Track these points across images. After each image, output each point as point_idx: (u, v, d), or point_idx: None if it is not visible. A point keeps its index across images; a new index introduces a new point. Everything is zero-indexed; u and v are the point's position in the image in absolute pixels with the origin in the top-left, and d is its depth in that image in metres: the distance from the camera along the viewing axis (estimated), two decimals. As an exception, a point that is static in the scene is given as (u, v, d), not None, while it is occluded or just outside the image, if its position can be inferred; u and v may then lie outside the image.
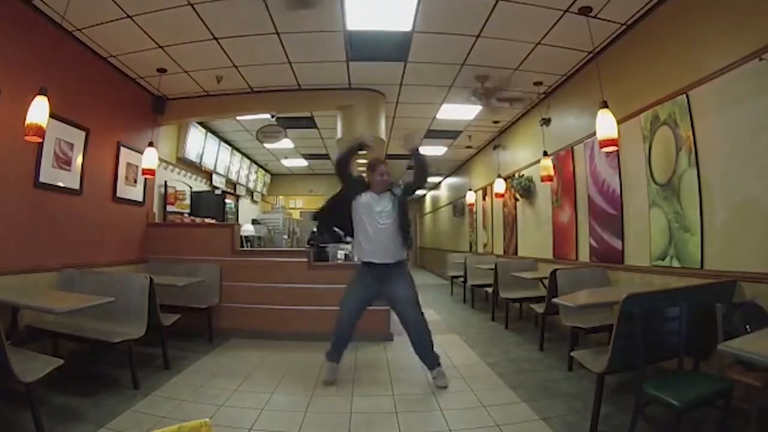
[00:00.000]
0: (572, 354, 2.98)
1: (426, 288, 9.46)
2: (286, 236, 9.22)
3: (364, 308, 3.41)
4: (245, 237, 7.19)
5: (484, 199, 8.43)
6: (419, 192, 15.43)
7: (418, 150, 3.37)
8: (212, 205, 7.19)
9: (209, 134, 7.43)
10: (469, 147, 8.47)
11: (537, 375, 3.49)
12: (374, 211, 3.26)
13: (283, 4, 3.51)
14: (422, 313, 3.33)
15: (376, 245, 3.25)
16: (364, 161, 7.79)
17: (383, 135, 6.04)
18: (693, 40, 3.13)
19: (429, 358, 3.31)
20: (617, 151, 3.77)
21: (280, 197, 12.49)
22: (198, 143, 7.06)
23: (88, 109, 4.19)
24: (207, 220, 6.23)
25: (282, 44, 4.27)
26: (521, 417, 2.68)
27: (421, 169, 3.36)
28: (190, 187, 6.95)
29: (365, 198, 3.30)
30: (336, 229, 3.57)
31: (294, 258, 4.88)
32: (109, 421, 2.53)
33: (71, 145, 3.96)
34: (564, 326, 3.78)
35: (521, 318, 5.75)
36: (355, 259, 3.46)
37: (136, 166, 4.95)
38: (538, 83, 5.15)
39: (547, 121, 5.47)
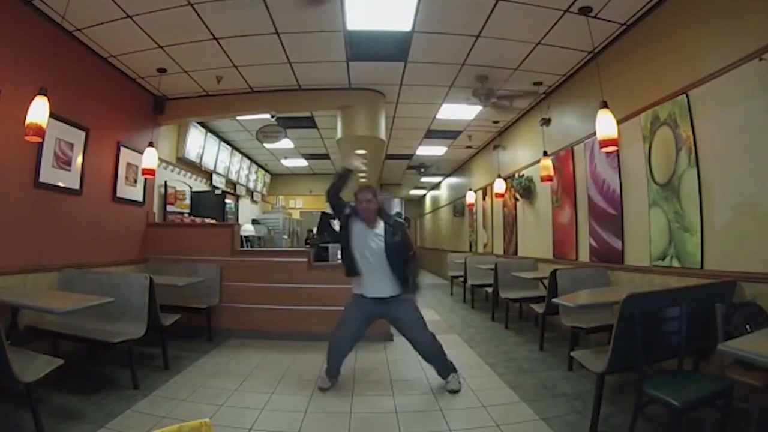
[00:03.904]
0: (572, 354, 2.98)
1: (426, 288, 9.46)
2: (286, 236, 9.23)
3: (368, 325, 3.27)
4: (245, 237, 7.20)
5: (484, 199, 8.43)
6: (419, 192, 15.44)
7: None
8: (212, 205, 7.19)
9: (209, 134, 7.43)
10: (469, 147, 8.47)
11: (537, 375, 3.49)
12: (367, 243, 3.09)
13: (293, 2, 3.49)
14: (432, 335, 3.21)
15: (369, 279, 3.11)
16: (364, 161, 7.84)
17: (383, 135, 6.04)
18: (693, 40, 3.13)
19: (441, 368, 3.23)
20: (617, 151, 3.77)
21: (280, 197, 12.50)
22: (198, 143, 7.06)
23: (88, 109, 4.19)
24: (207, 220, 6.23)
25: (282, 44, 4.27)
26: (521, 417, 2.68)
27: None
28: (190, 187, 6.95)
29: (359, 237, 3.11)
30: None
31: (294, 258, 4.88)
32: (109, 421, 2.53)
33: (71, 145, 3.96)
34: (564, 326, 3.78)
35: (521, 318, 5.75)
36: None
37: (136, 166, 4.95)
38: (538, 83, 5.15)
39: (547, 121, 5.47)
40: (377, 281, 3.10)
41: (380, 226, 3.14)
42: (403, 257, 3.13)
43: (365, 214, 3.11)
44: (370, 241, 3.11)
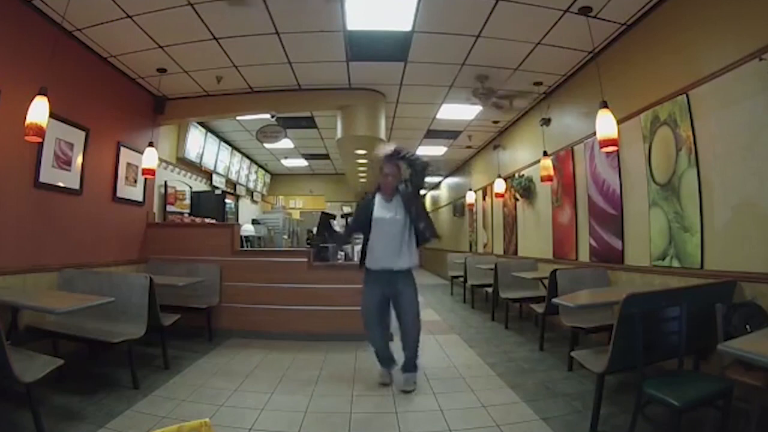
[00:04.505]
0: (572, 354, 2.98)
1: (426, 288, 9.46)
2: (286, 236, 9.23)
3: (387, 306, 3.31)
4: (245, 237, 7.19)
5: (484, 199, 8.43)
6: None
7: (398, 154, 3.19)
8: (212, 205, 7.19)
9: (209, 134, 7.43)
10: (469, 147, 8.47)
11: (537, 375, 3.49)
12: (384, 220, 3.20)
13: (293, 2, 3.51)
14: (419, 329, 3.28)
15: (384, 253, 3.18)
16: (364, 161, 7.85)
17: (383, 135, 6.04)
18: (693, 40, 3.13)
19: (410, 359, 3.27)
20: (617, 151, 3.76)
21: (280, 197, 12.51)
22: (198, 143, 7.06)
23: (88, 109, 4.19)
24: (207, 220, 6.23)
25: (282, 44, 4.27)
26: (521, 417, 2.68)
27: (416, 171, 3.23)
28: (190, 187, 6.95)
29: (377, 210, 3.25)
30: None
31: (294, 258, 4.87)
32: (109, 421, 2.53)
33: (71, 145, 3.96)
34: (564, 326, 3.78)
35: (521, 318, 5.75)
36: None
37: (136, 166, 4.95)
38: (538, 83, 5.15)
39: (547, 121, 5.47)
40: (388, 253, 3.17)
41: (397, 197, 3.25)
42: (418, 217, 3.23)
43: (385, 187, 3.24)
44: (386, 212, 3.21)
